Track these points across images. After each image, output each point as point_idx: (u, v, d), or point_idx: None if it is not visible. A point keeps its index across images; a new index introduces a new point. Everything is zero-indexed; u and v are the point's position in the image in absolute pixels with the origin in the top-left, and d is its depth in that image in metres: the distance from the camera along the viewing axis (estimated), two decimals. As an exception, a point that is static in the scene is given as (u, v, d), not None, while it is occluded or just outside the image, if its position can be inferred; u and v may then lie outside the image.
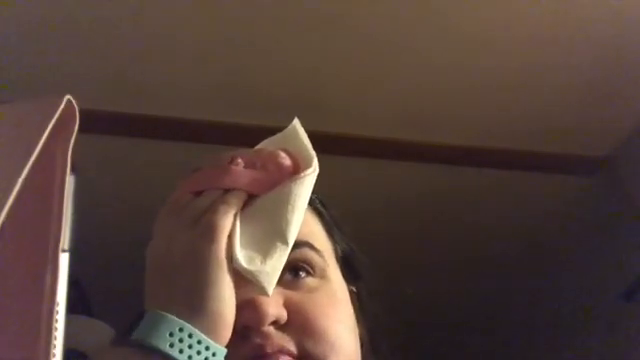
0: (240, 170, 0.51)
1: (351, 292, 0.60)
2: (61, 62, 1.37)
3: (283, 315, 0.51)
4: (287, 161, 0.51)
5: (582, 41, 1.37)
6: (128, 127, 1.52)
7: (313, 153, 0.52)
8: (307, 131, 0.55)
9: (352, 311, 0.58)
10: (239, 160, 0.52)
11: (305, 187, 0.50)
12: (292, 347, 0.50)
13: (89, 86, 1.40)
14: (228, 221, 0.48)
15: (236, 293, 0.47)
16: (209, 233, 0.47)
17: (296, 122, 0.56)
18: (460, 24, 1.34)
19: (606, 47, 1.39)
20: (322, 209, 0.62)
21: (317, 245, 0.57)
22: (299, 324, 0.51)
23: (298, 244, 0.54)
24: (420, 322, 2.10)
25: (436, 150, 1.62)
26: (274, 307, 0.50)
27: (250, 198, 0.50)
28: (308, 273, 0.55)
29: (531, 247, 1.91)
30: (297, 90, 1.45)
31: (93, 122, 1.38)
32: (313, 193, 0.62)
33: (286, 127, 0.57)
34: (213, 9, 1.29)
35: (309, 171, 0.51)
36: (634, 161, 1.60)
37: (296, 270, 0.54)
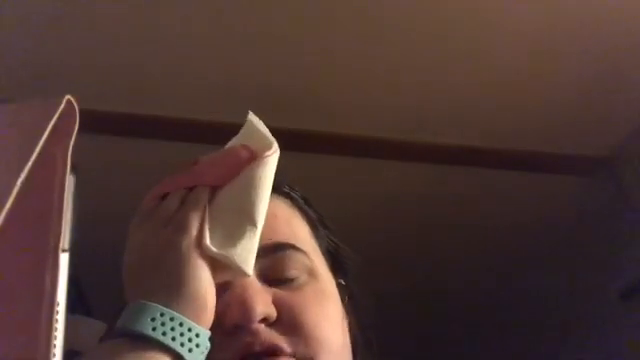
0: (201, 168, 0.53)
1: (339, 285, 0.61)
2: (61, 62, 1.37)
3: (272, 313, 0.52)
4: (244, 152, 0.53)
5: (582, 41, 1.37)
6: (128, 127, 1.52)
7: (272, 139, 0.54)
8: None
9: (340, 305, 0.59)
10: (200, 160, 0.54)
11: (267, 168, 0.52)
12: (282, 343, 0.51)
13: (89, 86, 1.40)
14: (197, 214, 0.49)
15: (217, 281, 0.48)
16: (180, 228, 0.48)
17: (251, 115, 0.57)
18: (460, 25, 1.33)
19: (606, 47, 1.39)
20: (305, 207, 0.63)
21: (300, 245, 0.58)
22: (288, 321, 0.52)
23: (282, 246, 0.56)
24: (419, 321, 2.10)
25: (436, 150, 1.62)
26: (263, 305, 0.51)
27: (215, 191, 0.52)
28: (295, 274, 0.56)
29: (531, 247, 1.91)
30: (297, 90, 1.44)
31: (93, 122, 1.38)
32: (295, 191, 0.63)
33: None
34: (214, 9, 1.29)
35: (269, 152, 0.53)
36: (634, 161, 1.60)
37: (284, 273, 0.55)
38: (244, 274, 0.49)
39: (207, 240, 0.48)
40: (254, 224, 0.50)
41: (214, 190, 0.52)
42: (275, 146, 0.53)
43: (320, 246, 0.61)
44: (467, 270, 1.99)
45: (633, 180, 1.61)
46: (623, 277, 1.68)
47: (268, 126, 0.56)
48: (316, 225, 0.63)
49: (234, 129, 0.56)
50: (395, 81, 1.46)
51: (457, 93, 1.49)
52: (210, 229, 0.49)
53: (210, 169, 0.53)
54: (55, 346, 0.46)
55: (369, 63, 1.42)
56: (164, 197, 0.52)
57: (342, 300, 0.60)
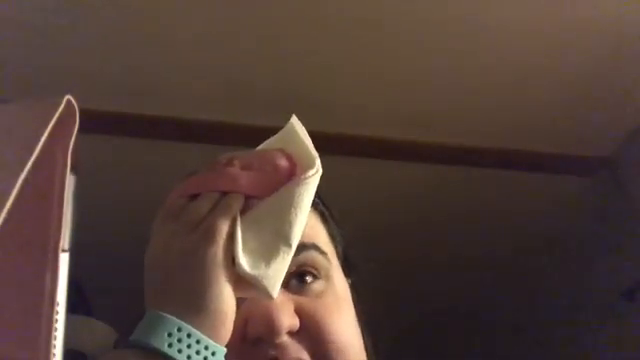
0: (237, 172, 0.50)
1: (350, 286, 0.61)
2: (62, 62, 1.37)
3: (296, 324, 0.52)
4: (284, 162, 0.51)
5: (582, 41, 1.37)
6: (128, 127, 1.52)
7: (315, 153, 0.51)
8: (307, 131, 0.55)
9: (353, 307, 0.59)
10: (235, 162, 0.51)
11: (309, 189, 0.50)
12: (306, 356, 0.51)
13: (89, 86, 1.40)
14: (227, 224, 0.47)
15: (240, 297, 0.47)
16: (208, 235, 0.47)
17: (294, 120, 0.55)
18: (460, 25, 1.33)
19: (606, 47, 1.39)
20: (324, 210, 0.62)
21: (323, 247, 0.57)
22: (311, 331, 0.52)
23: (306, 246, 0.55)
24: (420, 320, 2.10)
25: (436, 150, 1.62)
26: (288, 317, 0.51)
27: (248, 200, 0.50)
28: (314, 277, 0.55)
29: (531, 247, 1.91)
30: (297, 90, 1.45)
31: (93, 122, 1.38)
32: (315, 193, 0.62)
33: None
34: (214, 10, 1.29)
35: (312, 172, 0.50)
36: (634, 161, 1.60)
37: (302, 275, 0.55)
38: (270, 297, 0.47)
39: (240, 259, 0.46)
40: (289, 246, 0.48)
41: (247, 198, 0.49)
42: (318, 163, 0.51)
43: (336, 248, 0.61)
44: (467, 270, 1.99)
45: (633, 180, 1.61)
46: (624, 277, 1.68)
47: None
48: (333, 227, 0.62)
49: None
50: (395, 81, 1.46)
51: (457, 93, 1.49)
52: (241, 244, 0.47)
53: (246, 175, 0.50)
54: (55, 346, 0.46)
55: (369, 63, 1.42)
56: (193, 197, 0.50)
57: (353, 300, 0.60)
